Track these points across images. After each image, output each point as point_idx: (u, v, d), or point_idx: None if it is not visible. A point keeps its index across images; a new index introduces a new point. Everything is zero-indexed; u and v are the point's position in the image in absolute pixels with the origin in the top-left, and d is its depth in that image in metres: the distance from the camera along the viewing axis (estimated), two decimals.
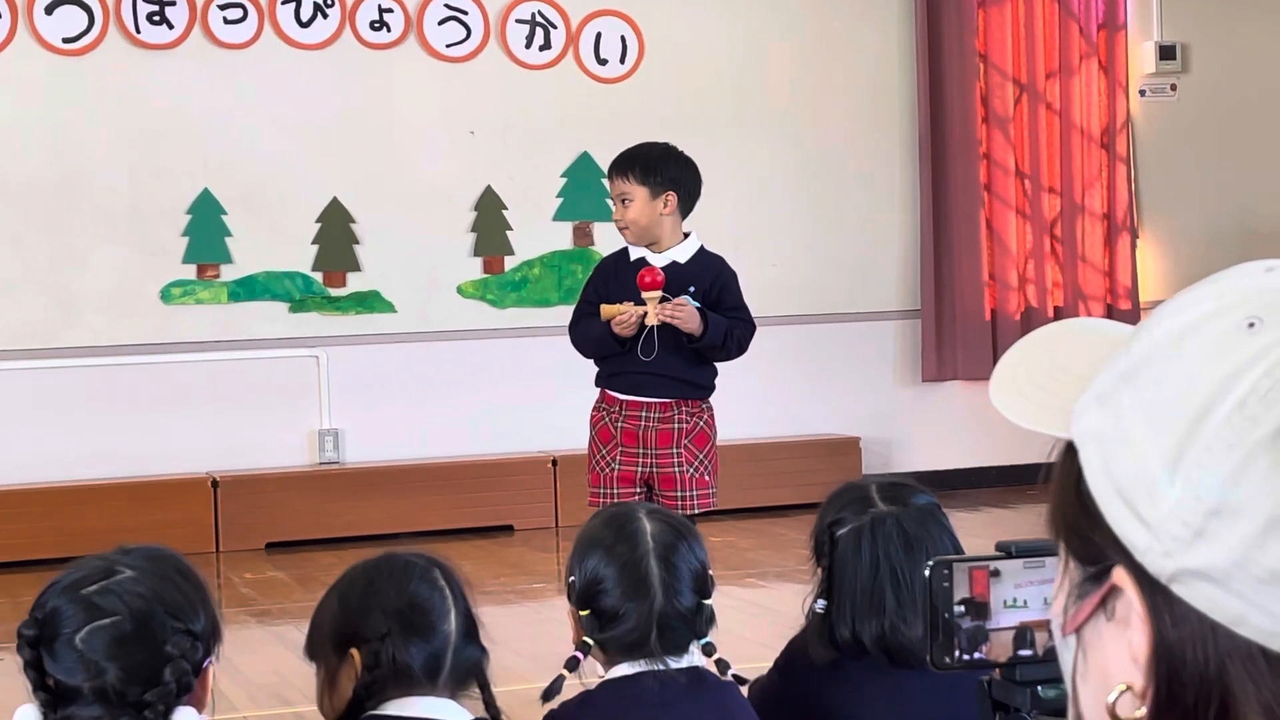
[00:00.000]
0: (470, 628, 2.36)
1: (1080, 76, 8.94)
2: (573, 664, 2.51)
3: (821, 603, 2.57)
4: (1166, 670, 0.82)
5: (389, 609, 2.31)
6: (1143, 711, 0.83)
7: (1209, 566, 0.80)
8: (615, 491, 4.80)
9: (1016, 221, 8.87)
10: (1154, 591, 0.82)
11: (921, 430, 8.78)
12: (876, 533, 2.56)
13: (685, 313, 4.77)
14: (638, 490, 4.84)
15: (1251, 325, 0.81)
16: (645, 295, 4.76)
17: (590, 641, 2.51)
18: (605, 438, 4.91)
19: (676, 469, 4.86)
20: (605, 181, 5.03)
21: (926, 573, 1.14)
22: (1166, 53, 9.11)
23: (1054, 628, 0.91)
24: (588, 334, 4.95)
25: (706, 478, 4.90)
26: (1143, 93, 9.15)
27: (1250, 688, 0.80)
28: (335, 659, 2.33)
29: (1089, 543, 0.86)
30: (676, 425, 4.87)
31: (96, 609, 2.04)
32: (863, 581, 2.55)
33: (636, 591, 2.52)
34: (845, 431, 8.57)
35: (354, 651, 2.30)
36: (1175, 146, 9.18)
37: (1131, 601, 0.83)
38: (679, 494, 4.83)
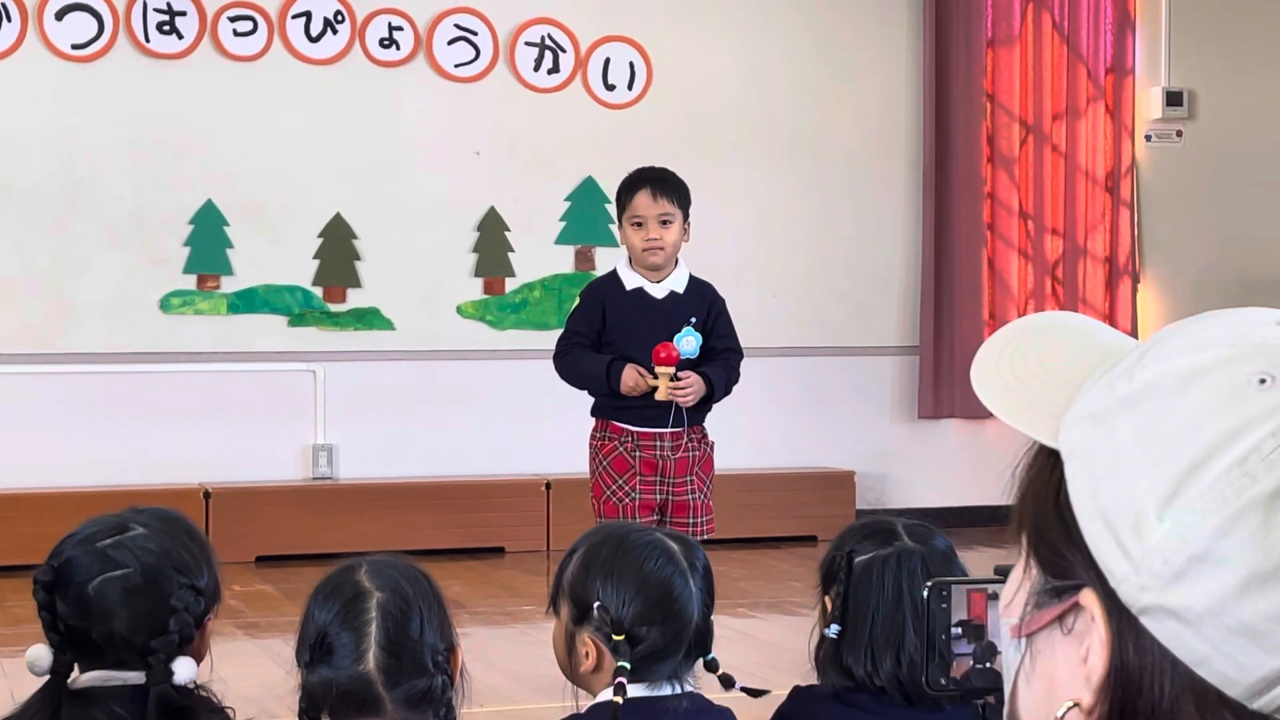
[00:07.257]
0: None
1: (1087, 120, 8.95)
2: (621, 690, 2.39)
3: (835, 628, 2.53)
4: (1121, 696, 0.83)
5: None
6: None
7: (1184, 608, 0.81)
8: (638, 520, 4.78)
9: (1019, 262, 8.87)
10: (1121, 619, 0.83)
11: (916, 467, 8.76)
12: (902, 566, 2.52)
13: (693, 391, 4.85)
14: (654, 518, 4.88)
15: (1263, 381, 0.82)
16: (659, 370, 4.83)
17: (628, 666, 2.44)
18: (621, 468, 4.93)
19: (690, 496, 4.95)
20: (615, 199, 5.01)
21: (925, 593, 1.13)
22: (1173, 99, 9.12)
23: (1003, 624, 0.92)
24: (579, 368, 4.99)
25: (711, 503, 5.04)
26: (1149, 138, 9.16)
27: None
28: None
29: (1060, 557, 0.86)
30: (690, 453, 4.96)
31: (110, 561, 2.23)
32: (884, 612, 2.50)
33: (669, 612, 2.49)
34: (840, 465, 8.55)
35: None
36: (1179, 192, 9.18)
37: (1096, 624, 0.84)
38: (690, 520, 4.92)
